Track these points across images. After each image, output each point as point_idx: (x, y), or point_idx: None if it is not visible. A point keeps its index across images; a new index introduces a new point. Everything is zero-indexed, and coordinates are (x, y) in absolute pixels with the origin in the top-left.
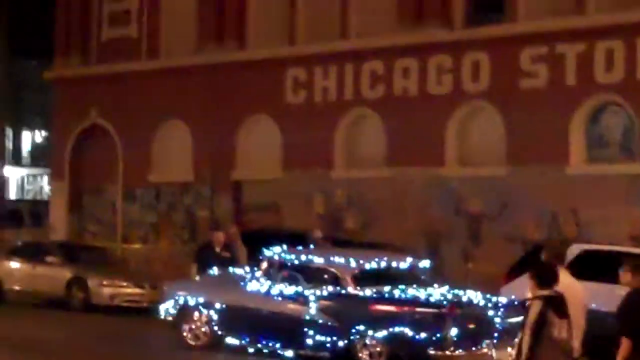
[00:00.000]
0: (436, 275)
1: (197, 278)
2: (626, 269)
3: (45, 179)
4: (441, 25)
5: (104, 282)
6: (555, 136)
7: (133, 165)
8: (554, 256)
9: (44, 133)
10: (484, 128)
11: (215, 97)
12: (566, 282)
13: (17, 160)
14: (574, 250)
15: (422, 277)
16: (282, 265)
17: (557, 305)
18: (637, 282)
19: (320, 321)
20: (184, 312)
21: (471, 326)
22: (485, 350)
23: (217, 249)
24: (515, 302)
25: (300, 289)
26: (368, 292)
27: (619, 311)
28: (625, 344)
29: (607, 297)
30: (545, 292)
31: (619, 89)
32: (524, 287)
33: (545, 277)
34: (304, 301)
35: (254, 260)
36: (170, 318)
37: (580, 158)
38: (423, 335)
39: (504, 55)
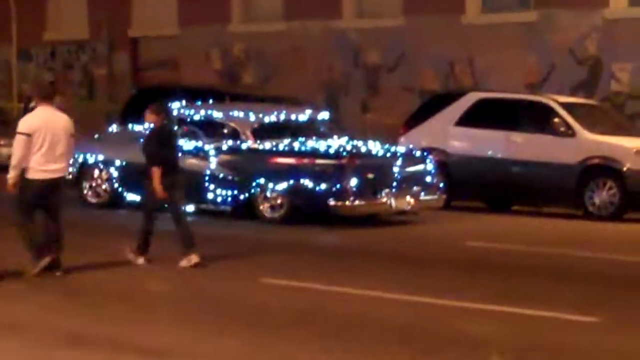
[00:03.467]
0: (335, 127)
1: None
2: (150, 110)
3: None
4: None
5: (1, 142)
6: None
7: (27, 23)
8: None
9: None
10: None
11: None
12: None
13: None
14: (470, 98)
15: (322, 129)
16: (181, 120)
17: None
18: (159, 121)
19: (221, 175)
20: (84, 170)
21: (370, 176)
22: (384, 199)
23: None
24: (414, 152)
25: (200, 144)
26: (268, 145)
27: (144, 147)
28: (156, 172)
29: (503, 143)
30: None
31: None
32: (421, 136)
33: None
34: (204, 156)
35: None
36: (69, 176)
37: (476, 7)
38: (323, 186)
39: None
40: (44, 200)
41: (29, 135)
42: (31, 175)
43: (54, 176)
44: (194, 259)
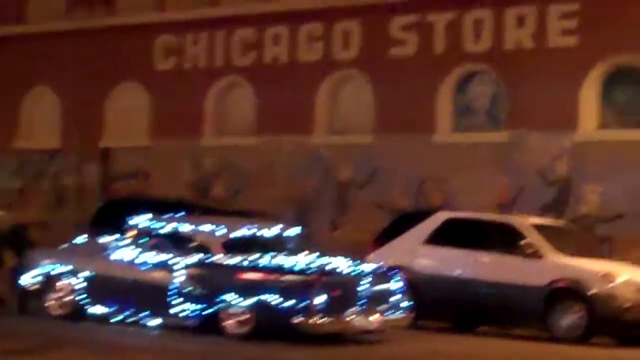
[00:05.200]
0: (305, 243)
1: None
2: None
3: None
4: None
5: None
6: (424, 104)
7: None
8: None
9: None
10: (353, 96)
11: (83, 63)
12: None
13: None
14: (439, 217)
15: (291, 244)
16: (149, 233)
17: None
18: None
19: (187, 289)
20: (49, 281)
21: (337, 294)
22: (350, 318)
23: None
24: (382, 270)
25: (167, 257)
26: (236, 259)
27: None
28: None
29: (471, 264)
30: None
31: (486, 58)
32: (390, 254)
33: None
34: (171, 269)
35: (120, 228)
36: (34, 287)
37: (447, 126)
38: (289, 303)
39: (374, 24)
40: None
41: None
42: None
43: None
44: None
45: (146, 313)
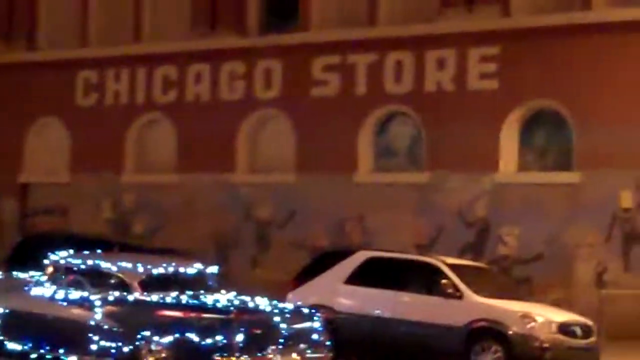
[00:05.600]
0: (224, 281)
1: None
2: None
3: None
4: (235, 32)
5: None
6: (345, 145)
7: None
8: None
9: None
10: (274, 135)
11: (3, 99)
12: None
13: None
14: (359, 256)
15: (210, 282)
16: (68, 269)
17: None
18: None
19: (106, 327)
20: None
21: (257, 332)
22: (270, 356)
23: None
24: (302, 309)
25: (85, 293)
26: (155, 297)
27: None
28: None
29: (391, 303)
30: None
31: (407, 99)
32: (310, 293)
33: None
34: (89, 306)
35: (39, 264)
36: None
37: (368, 166)
38: (208, 340)
39: (297, 64)
40: None
41: None
42: None
43: None
44: None
45: (64, 350)
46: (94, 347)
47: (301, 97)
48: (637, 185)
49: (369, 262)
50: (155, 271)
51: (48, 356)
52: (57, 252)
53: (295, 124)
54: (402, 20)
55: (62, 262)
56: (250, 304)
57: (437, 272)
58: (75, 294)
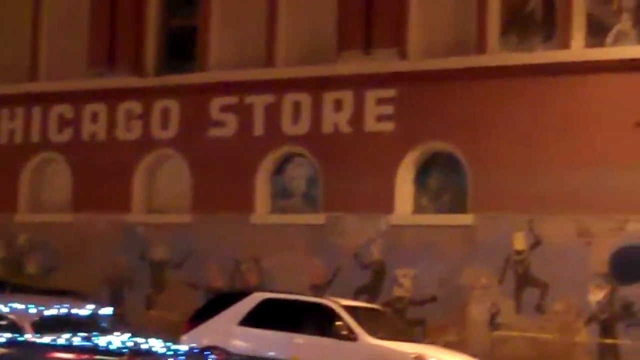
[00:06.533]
0: (119, 322)
1: None
2: None
3: None
4: (132, 72)
5: None
6: (242, 185)
7: None
8: None
9: None
10: (171, 175)
11: None
12: None
13: None
14: (254, 298)
15: (104, 324)
16: None
17: None
18: None
19: None
20: None
21: None
22: None
23: None
24: (195, 350)
25: None
26: (47, 339)
27: None
28: None
29: (286, 345)
30: None
31: (304, 140)
32: (204, 335)
33: None
34: None
35: None
36: None
37: (265, 207)
38: None
39: (194, 104)
40: None
41: None
42: None
43: None
44: None
45: None
46: None
47: (198, 137)
48: (530, 227)
49: (264, 304)
50: (47, 312)
51: None
52: None
53: (192, 164)
54: (300, 61)
55: None
56: (144, 346)
57: (332, 314)
58: None
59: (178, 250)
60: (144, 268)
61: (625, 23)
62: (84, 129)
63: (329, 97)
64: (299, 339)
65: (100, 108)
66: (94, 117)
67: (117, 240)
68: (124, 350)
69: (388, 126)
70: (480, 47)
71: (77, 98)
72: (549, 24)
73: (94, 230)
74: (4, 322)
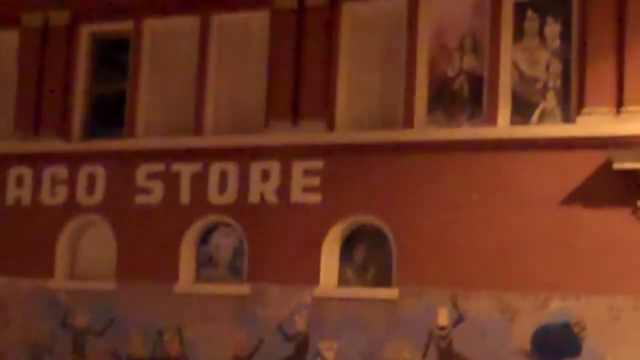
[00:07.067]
0: None
1: None
2: None
3: None
4: (58, 136)
5: None
6: (167, 254)
7: None
8: None
9: None
10: (95, 242)
11: None
12: None
13: None
14: None
15: None
16: None
17: None
18: None
19: None
20: None
21: None
22: None
23: None
24: None
25: None
26: None
27: None
28: None
29: None
30: None
31: (231, 210)
32: None
33: None
34: None
35: None
36: None
37: (189, 277)
38: None
39: (120, 170)
40: None
41: None
42: None
43: None
44: None
45: None
46: None
47: (124, 203)
48: (454, 303)
49: None
50: None
51: None
52: None
53: (117, 230)
54: (228, 130)
55: None
56: None
57: None
58: None
59: (100, 318)
60: (66, 335)
61: (550, 101)
62: (9, 193)
63: (256, 167)
64: None
65: (26, 172)
66: (19, 181)
67: (38, 306)
68: None
69: (315, 198)
70: (408, 121)
71: (2, 162)
72: (475, 101)
73: (14, 296)
74: None
